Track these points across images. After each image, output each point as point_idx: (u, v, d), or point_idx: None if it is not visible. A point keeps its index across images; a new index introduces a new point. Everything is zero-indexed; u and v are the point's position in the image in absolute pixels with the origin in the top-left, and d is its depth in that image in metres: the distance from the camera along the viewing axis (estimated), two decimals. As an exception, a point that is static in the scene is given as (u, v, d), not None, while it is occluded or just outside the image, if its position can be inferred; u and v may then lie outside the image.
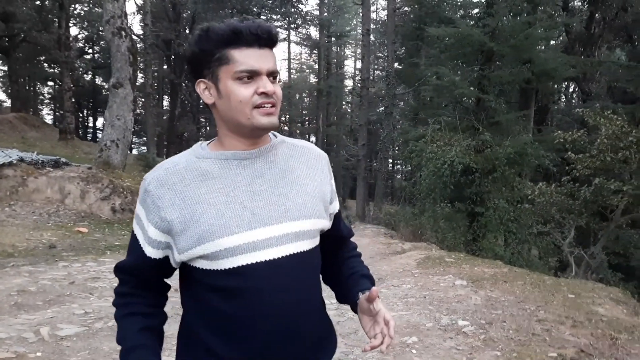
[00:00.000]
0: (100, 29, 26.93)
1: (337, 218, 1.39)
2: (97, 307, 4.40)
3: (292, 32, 39.96)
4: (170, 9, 28.62)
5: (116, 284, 1.29)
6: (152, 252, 1.21)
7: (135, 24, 47.63)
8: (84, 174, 10.97)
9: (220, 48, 1.16)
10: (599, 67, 15.71)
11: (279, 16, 33.13)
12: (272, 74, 1.18)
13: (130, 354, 1.19)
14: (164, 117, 35.01)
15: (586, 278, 8.89)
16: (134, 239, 1.25)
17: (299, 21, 35.00)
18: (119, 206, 10.67)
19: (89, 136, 41.52)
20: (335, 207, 1.38)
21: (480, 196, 13.06)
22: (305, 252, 1.22)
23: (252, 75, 1.15)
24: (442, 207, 13.52)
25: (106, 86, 32.89)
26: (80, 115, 44.43)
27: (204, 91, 1.20)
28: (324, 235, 1.32)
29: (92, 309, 4.33)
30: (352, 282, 1.37)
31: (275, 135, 1.30)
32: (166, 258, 1.22)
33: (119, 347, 1.23)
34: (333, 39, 40.32)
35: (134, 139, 40.51)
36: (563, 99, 28.40)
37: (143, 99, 28.57)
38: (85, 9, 32.86)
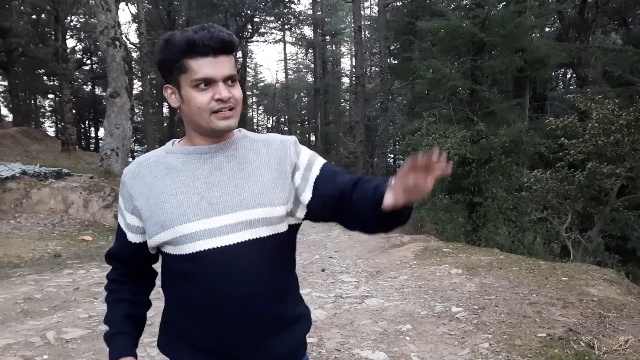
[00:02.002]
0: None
1: (325, 179, 1.33)
2: (101, 310, 4.55)
3: (287, 33, 40.10)
4: (165, 16, 28.78)
5: (107, 275, 1.48)
6: (132, 237, 1.37)
7: (131, 32, 47.83)
8: (86, 184, 11.14)
9: (179, 57, 1.24)
10: (591, 52, 15.77)
11: (272, 17, 33.27)
12: (230, 79, 1.26)
13: (113, 339, 1.38)
14: (164, 124, 35.22)
15: (584, 261, 9.00)
16: (118, 226, 1.41)
17: (293, 21, 35.10)
18: (121, 213, 10.83)
19: (92, 146, 41.74)
20: (313, 173, 1.34)
21: (478, 186, 13.16)
22: (261, 238, 1.28)
23: (207, 82, 1.23)
24: (440, 198, 13.62)
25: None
26: (82, 126, 44.70)
27: (171, 95, 1.31)
28: (325, 199, 1.31)
29: (97, 312, 4.48)
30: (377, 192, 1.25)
31: (239, 131, 1.39)
32: (145, 243, 1.36)
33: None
34: (327, 37, 40.45)
35: (136, 147, 40.77)
36: (561, 85, 28.41)
37: (142, 107, 28.76)
38: (81, 20, 33.04)
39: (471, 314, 4.61)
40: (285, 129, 47.73)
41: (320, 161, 1.38)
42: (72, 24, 32.22)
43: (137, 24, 28.99)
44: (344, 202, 1.30)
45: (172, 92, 1.30)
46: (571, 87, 25.71)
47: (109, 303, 1.43)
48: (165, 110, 38.23)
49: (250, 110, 46.56)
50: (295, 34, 40.85)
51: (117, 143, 12.65)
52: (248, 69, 42.04)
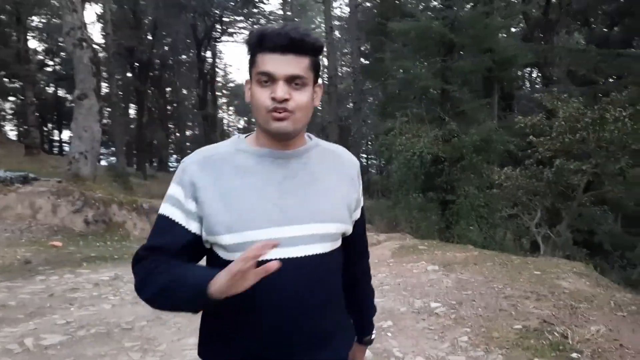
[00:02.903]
0: (60, 40, 26.49)
1: (358, 225, 1.42)
2: (78, 316, 4.48)
3: (257, 33, 39.77)
4: (131, 16, 28.31)
5: (137, 267, 1.24)
6: (193, 226, 1.22)
7: (96, 32, 46.86)
8: (54, 188, 10.88)
9: (252, 51, 1.22)
10: (556, 52, 16.20)
11: (241, 17, 33.08)
12: (293, 79, 1.19)
13: (188, 272, 1.16)
14: (132, 126, 34.63)
15: (554, 256, 9.24)
16: (167, 220, 1.23)
17: (262, 21, 34.97)
18: (92, 218, 10.62)
19: (55, 150, 40.73)
20: (358, 214, 1.42)
21: (450, 184, 13.40)
22: (326, 253, 1.26)
23: (269, 79, 1.18)
24: (414, 197, 13.81)
25: (70, 98, 32.40)
26: (45, 128, 43.56)
27: (247, 89, 1.25)
28: (345, 240, 1.36)
29: (74, 318, 4.40)
30: (361, 316, 1.56)
31: (310, 138, 1.35)
32: (201, 238, 1.24)
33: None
34: (298, 38, 40.30)
35: (102, 150, 39.95)
36: (527, 84, 29.09)
37: (109, 109, 28.22)
38: (44, 20, 32.23)
39: (449, 308, 4.71)
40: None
41: (362, 201, 1.45)
42: (34, 24, 31.38)
43: (102, 24, 28.44)
44: (352, 257, 1.45)
45: (248, 86, 1.25)
46: (537, 87, 26.35)
47: (158, 277, 1.18)
48: (132, 112, 37.62)
49: (220, 111, 46.18)
50: (265, 35, 40.58)
51: (86, 146, 12.40)
52: (217, 70, 41.70)
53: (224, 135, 38.90)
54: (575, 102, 10.11)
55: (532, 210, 11.34)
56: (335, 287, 1.33)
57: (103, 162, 30.14)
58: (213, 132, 31.93)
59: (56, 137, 45.43)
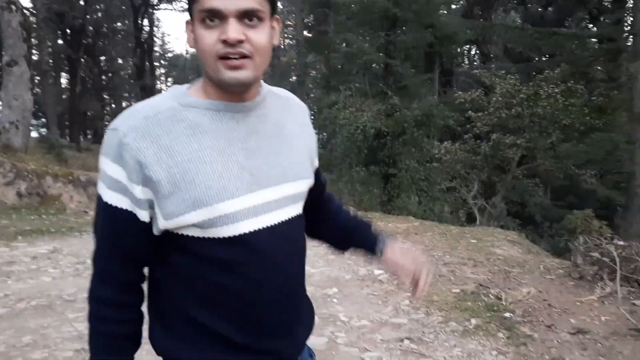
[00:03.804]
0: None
1: (318, 172, 1.26)
2: (16, 289, 4.32)
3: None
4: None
5: (91, 284, 1.08)
6: (144, 215, 1.00)
7: (24, -5, 43.82)
8: (-18, 160, 10.28)
9: None
10: (495, 29, 16.71)
11: (182, -15, 31.92)
12: (246, 15, 0.95)
13: None
14: (64, 96, 32.97)
15: (489, 226, 9.71)
16: (109, 208, 1.00)
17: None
18: (24, 190, 10.13)
19: (-19, 120, 38.16)
20: (316, 162, 1.25)
21: (392, 158, 13.68)
22: (299, 215, 1.13)
23: (214, 16, 0.95)
24: (357, 171, 14.02)
25: (-3, 65, 30.39)
26: (-31, 97, 40.77)
27: (189, 33, 1.02)
28: (311, 190, 1.19)
29: (12, 291, 4.24)
30: (363, 232, 1.38)
31: (260, 84, 1.11)
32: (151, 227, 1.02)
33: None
34: (241, 8, 39.42)
35: (33, 121, 37.88)
36: (466, 61, 29.85)
37: (39, 78, 26.71)
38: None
39: (392, 275, 4.88)
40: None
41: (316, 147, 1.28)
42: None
43: (31, -13, 26.65)
44: (321, 202, 1.30)
45: (190, 28, 1.01)
46: (475, 63, 27.12)
47: (105, 335, 1.06)
48: (64, 81, 35.76)
49: (158, 82, 44.73)
50: (206, 4, 39.42)
51: (17, 115, 11.74)
52: (155, 39, 40.21)
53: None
54: (511, 79, 10.53)
55: (469, 183, 11.82)
56: (305, 251, 1.17)
57: (34, 134, 28.61)
58: (152, 103, 30.83)
59: (-19, 107, 42.66)
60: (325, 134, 19.34)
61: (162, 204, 0.97)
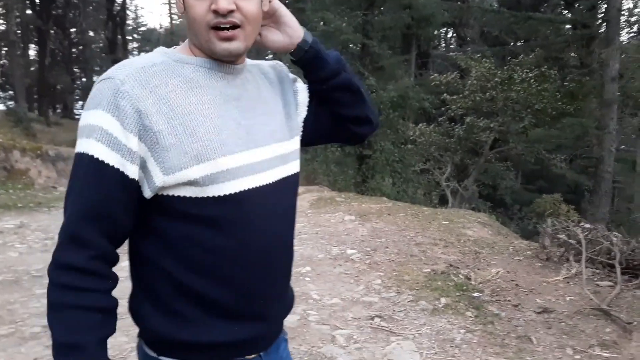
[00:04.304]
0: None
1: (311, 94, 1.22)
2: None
3: (173, -25, 37.72)
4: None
5: (58, 251, 0.93)
6: (135, 172, 0.92)
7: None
8: (-55, 132, 9.95)
9: None
10: (472, 12, 16.76)
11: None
12: None
13: None
14: (32, 68, 31.98)
15: (461, 208, 9.86)
16: (94, 163, 0.90)
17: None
18: (-9, 165, 9.86)
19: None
20: (305, 99, 1.21)
21: (367, 139, 13.70)
22: (292, 175, 1.11)
23: None
24: (332, 151, 14.04)
25: (-40, 34, 29.18)
26: None
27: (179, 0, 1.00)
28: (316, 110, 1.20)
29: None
30: None
31: None
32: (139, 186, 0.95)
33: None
34: (217, -18, 38.64)
35: (0, 94, 36.76)
36: (443, 44, 29.94)
37: (7, 48, 25.82)
38: None
39: (364, 255, 4.92)
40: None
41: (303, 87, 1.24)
42: None
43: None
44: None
45: None
46: (452, 46, 27.23)
47: (72, 309, 0.92)
48: (32, 53, 34.65)
49: (131, 57, 43.67)
50: (181, -23, 38.50)
51: (-18, 87, 11.36)
52: (128, 12, 39.19)
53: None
54: (486, 63, 10.61)
55: (442, 165, 11.94)
56: (295, 211, 1.14)
57: (1, 106, 27.78)
58: (125, 78, 30.19)
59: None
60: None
61: (161, 157, 0.92)
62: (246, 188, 0.97)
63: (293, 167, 1.11)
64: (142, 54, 0.94)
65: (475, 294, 3.90)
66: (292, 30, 1.11)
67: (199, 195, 0.94)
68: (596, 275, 4.25)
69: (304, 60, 1.15)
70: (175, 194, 0.94)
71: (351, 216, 6.75)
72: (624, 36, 19.98)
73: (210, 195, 0.94)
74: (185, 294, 0.99)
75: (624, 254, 4.26)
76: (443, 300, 3.78)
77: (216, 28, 0.94)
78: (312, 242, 5.50)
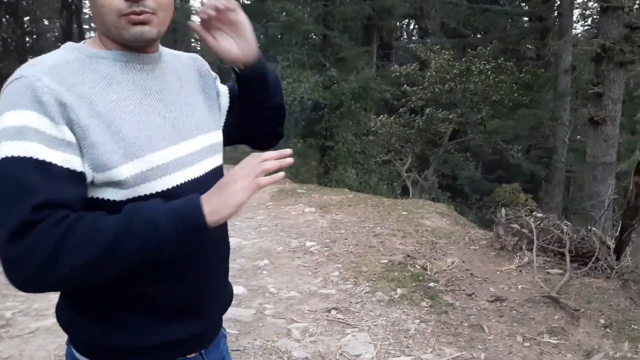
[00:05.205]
0: None
1: (228, 85, 1.22)
2: None
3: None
4: None
5: (30, 238, 0.79)
6: (77, 163, 0.86)
7: None
8: None
9: None
10: (431, 4, 16.93)
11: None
12: None
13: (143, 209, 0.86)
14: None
15: (421, 198, 9.99)
16: (34, 165, 0.81)
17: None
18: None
19: None
20: (226, 92, 1.19)
21: (330, 131, 13.70)
22: (220, 166, 1.10)
23: None
24: (295, 143, 13.98)
25: None
26: None
27: None
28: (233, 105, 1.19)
29: None
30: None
31: None
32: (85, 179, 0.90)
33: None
34: (176, -29, 37.88)
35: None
36: (405, 35, 30.17)
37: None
38: None
39: (323, 247, 4.93)
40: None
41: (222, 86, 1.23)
42: None
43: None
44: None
45: None
46: (413, 38, 27.46)
47: (92, 223, 0.83)
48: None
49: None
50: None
51: None
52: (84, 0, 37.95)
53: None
54: (446, 54, 10.74)
55: (403, 156, 12.06)
56: None
57: (-52, 98, 26.54)
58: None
59: None
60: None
61: (90, 154, 0.87)
62: (178, 183, 0.96)
63: (219, 158, 1.11)
64: (53, 51, 0.95)
65: (431, 284, 3.95)
66: (248, 47, 1.08)
67: (124, 198, 0.90)
68: (547, 264, 4.37)
69: (247, 79, 1.13)
70: (97, 196, 0.91)
71: (312, 208, 6.74)
72: (579, 29, 20.60)
73: (142, 194, 0.91)
74: (121, 296, 0.95)
75: (574, 242, 4.40)
76: (399, 290, 3.81)
77: (128, 14, 0.91)
78: (271, 234, 5.46)
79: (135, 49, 0.97)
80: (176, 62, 1.10)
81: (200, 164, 1.02)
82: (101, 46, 0.97)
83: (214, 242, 1.04)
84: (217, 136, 1.12)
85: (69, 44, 0.99)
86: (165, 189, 0.93)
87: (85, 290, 0.95)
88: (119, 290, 0.94)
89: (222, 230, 1.09)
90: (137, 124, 0.92)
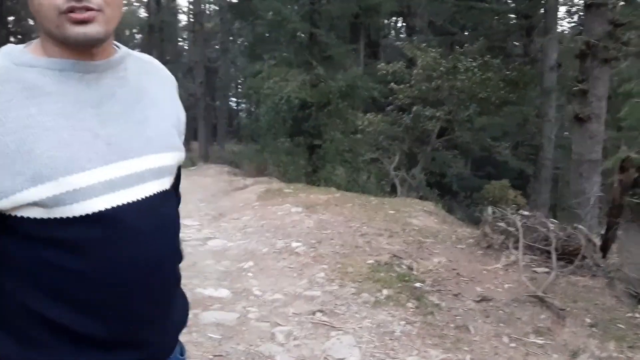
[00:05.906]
0: None
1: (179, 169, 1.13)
2: None
3: (115, -39, 36.30)
4: None
5: None
6: None
7: None
8: None
9: None
10: (418, 1, 16.93)
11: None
12: None
13: None
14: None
15: (409, 196, 9.96)
16: None
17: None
18: None
19: None
20: (182, 140, 1.11)
21: (317, 129, 13.67)
22: (167, 190, 1.00)
23: None
24: (282, 142, 13.92)
25: None
26: None
27: None
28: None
29: None
30: None
31: (117, 46, 1.00)
32: None
33: None
34: (162, -31, 37.58)
35: None
36: (392, 33, 30.19)
37: (-64, 37, 24.30)
38: None
39: (309, 247, 4.88)
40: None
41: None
42: None
43: None
44: None
45: None
46: (401, 36, 27.48)
47: None
48: (-33, 42, 32.76)
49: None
50: (125, -37, 37.23)
51: None
52: None
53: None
54: (432, 52, 10.72)
55: (391, 154, 12.04)
56: (176, 231, 1.06)
57: None
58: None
59: None
60: (251, 104, 19.02)
61: None
62: (103, 208, 0.87)
63: (169, 181, 1.01)
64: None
65: (417, 285, 3.92)
66: None
67: (47, 217, 0.85)
68: (534, 262, 4.36)
69: None
70: (20, 215, 0.85)
71: (298, 208, 6.69)
72: (565, 26, 20.72)
73: (58, 216, 0.85)
74: (44, 325, 0.89)
75: (560, 240, 4.38)
76: (385, 291, 3.77)
77: (70, 11, 0.83)
78: (256, 235, 5.41)
79: (81, 52, 0.88)
80: (143, 70, 1.02)
81: (139, 186, 0.92)
82: (40, 50, 0.90)
83: (152, 270, 0.95)
84: (172, 158, 1.01)
85: (8, 47, 0.91)
86: (92, 212, 0.86)
87: (10, 317, 0.90)
88: (47, 320, 0.89)
89: (164, 256, 0.99)
90: (57, 143, 0.84)
